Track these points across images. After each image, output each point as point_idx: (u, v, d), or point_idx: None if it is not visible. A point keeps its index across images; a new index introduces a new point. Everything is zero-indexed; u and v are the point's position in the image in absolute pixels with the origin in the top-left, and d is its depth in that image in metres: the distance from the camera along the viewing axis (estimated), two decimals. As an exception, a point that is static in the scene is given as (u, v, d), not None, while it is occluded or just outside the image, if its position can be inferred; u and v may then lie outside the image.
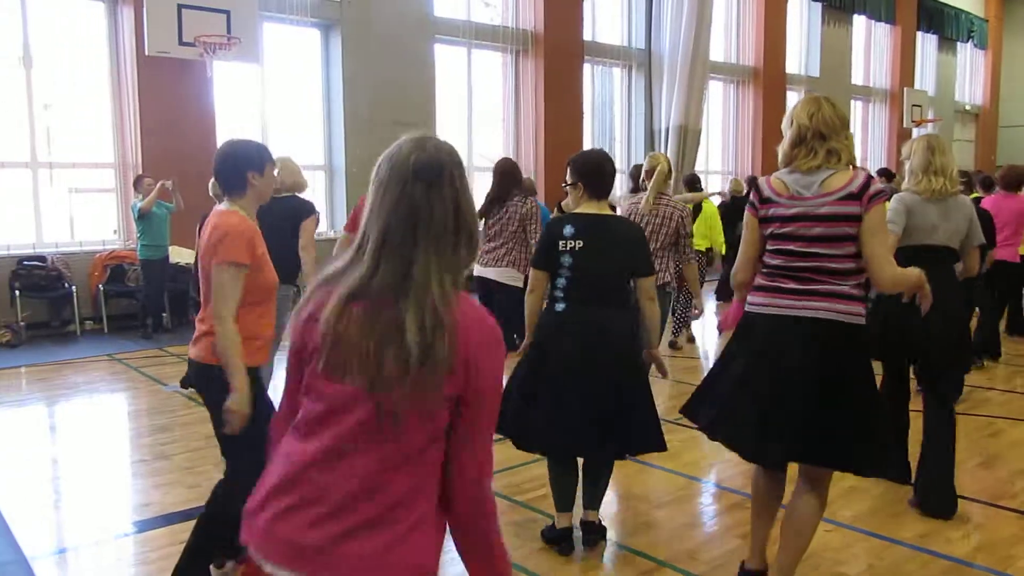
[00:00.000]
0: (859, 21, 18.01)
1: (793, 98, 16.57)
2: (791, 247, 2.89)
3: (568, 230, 3.41)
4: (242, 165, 2.93)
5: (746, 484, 3.88)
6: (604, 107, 13.84)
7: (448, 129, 11.28)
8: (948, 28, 20.32)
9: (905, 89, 18.66)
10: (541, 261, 3.47)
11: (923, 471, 4.08)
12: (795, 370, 2.85)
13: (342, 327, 1.47)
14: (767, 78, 15.42)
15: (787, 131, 2.95)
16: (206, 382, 2.91)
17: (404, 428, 1.45)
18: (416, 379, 1.41)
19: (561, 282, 3.43)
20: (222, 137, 8.20)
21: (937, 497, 4.02)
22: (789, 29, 15.99)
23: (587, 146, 13.00)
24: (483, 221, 5.71)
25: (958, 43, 21.04)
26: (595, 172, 3.50)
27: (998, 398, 6.33)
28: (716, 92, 15.25)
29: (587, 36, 12.73)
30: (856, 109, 18.44)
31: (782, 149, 2.96)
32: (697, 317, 6.11)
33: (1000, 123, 22.14)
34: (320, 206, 8.55)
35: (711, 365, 3.27)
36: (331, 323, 1.48)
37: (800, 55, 16.82)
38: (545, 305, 3.55)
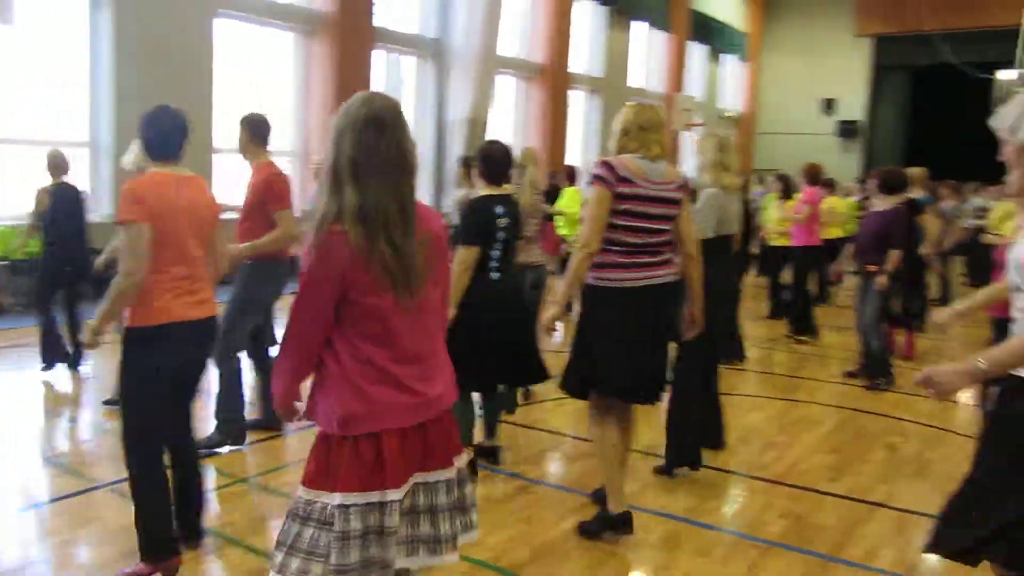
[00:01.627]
0: (638, 27, 19.06)
1: (577, 96, 17.27)
2: (648, 225, 3.44)
3: (499, 209, 4.05)
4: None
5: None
6: (395, 95, 13.72)
7: (230, 110, 10.71)
8: (715, 40, 21.99)
9: (676, 94, 19.98)
10: (478, 239, 4.02)
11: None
12: (656, 325, 3.54)
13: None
14: (553, 75, 15.96)
15: (622, 124, 3.51)
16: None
17: None
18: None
19: (496, 254, 4.07)
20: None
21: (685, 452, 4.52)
22: (575, 30, 16.63)
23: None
24: None
25: (723, 54, 22.82)
26: (502, 161, 4.17)
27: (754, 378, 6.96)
28: (506, 87, 15.59)
29: (379, 22, 12.57)
30: (634, 110, 19.52)
31: (616, 139, 3.51)
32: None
33: (758, 129, 24.28)
34: (84, 186, 7.83)
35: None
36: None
37: (584, 56, 17.55)
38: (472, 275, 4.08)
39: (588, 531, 3.70)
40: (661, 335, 3.62)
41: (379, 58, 12.81)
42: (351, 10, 11.87)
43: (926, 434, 5.50)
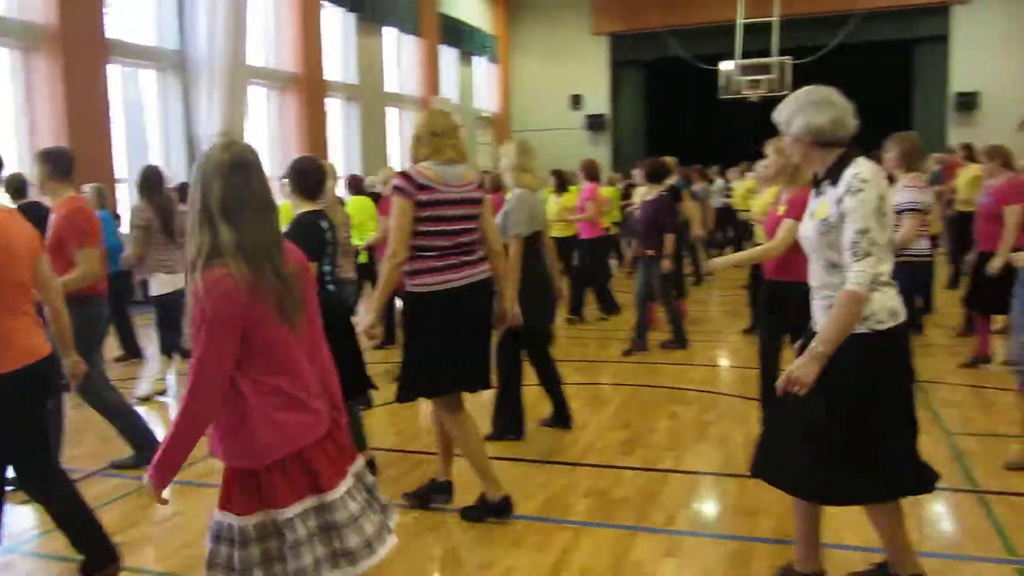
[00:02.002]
0: (389, 33, 19.03)
1: (334, 104, 16.96)
2: (454, 226, 3.62)
3: (324, 223, 4.06)
4: None
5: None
6: (136, 112, 12.78)
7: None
8: (466, 43, 22.45)
9: (432, 97, 20.19)
10: (315, 254, 3.92)
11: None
12: (480, 317, 3.76)
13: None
14: (308, 84, 15.56)
15: (415, 131, 3.69)
16: None
17: None
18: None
19: (327, 268, 4.08)
20: None
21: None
22: (326, 37, 16.30)
23: (120, 154, 11.90)
24: None
25: (474, 56, 23.36)
26: (317, 175, 4.19)
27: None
28: (259, 98, 14.99)
29: (112, 34, 11.61)
30: (393, 115, 19.49)
31: (414, 148, 3.68)
32: None
33: (512, 128, 25.10)
34: None
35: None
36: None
37: (339, 63, 17.26)
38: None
39: (471, 517, 3.88)
40: (486, 326, 3.85)
41: (115, 72, 11.85)
42: (78, 21, 10.87)
43: (702, 399, 5.93)
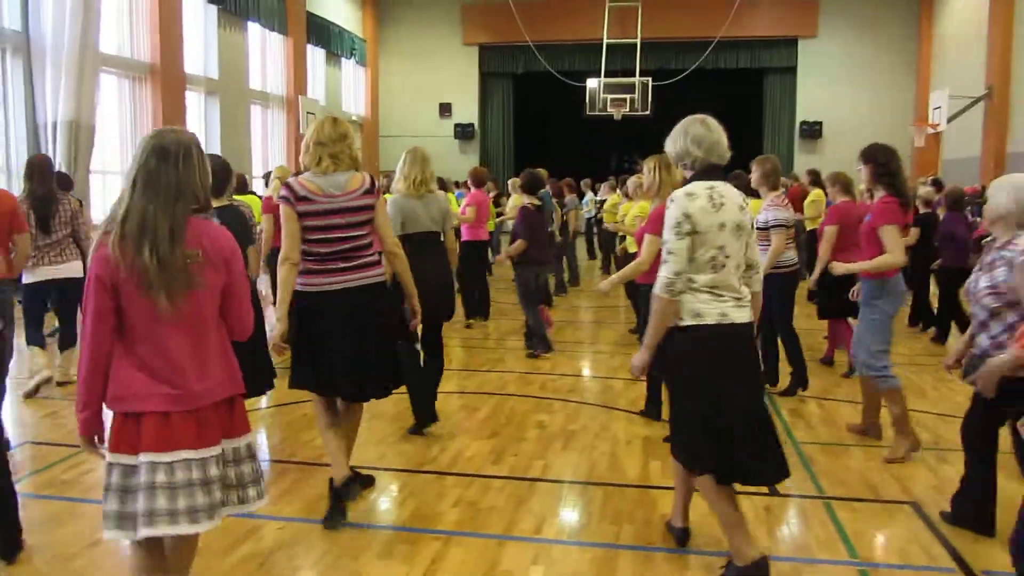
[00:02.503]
0: (254, 28, 18.43)
1: (194, 97, 16.26)
2: (334, 235, 3.71)
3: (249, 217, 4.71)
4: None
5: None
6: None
7: None
8: (334, 44, 22.04)
9: (300, 97, 19.70)
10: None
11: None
12: (360, 323, 3.77)
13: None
14: (165, 76, 14.83)
15: (304, 140, 3.81)
16: None
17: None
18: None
19: None
20: None
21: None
22: (187, 29, 15.60)
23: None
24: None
25: (342, 58, 22.96)
26: (221, 176, 4.47)
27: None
28: (111, 87, 14.16)
29: (-57, 9, 10.69)
30: (255, 113, 18.87)
31: (302, 156, 3.81)
32: None
33: (380, 132, 24.82)
34: None
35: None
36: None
37: (199, 56, 16.55)
38: None
39: (331, 524, 3.86)
40: (368, 332, 3.83)
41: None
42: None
43: (567, 409, 6.02)
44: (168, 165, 2.41)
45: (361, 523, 3.93)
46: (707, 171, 3.27)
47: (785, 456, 3.32)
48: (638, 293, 5.40)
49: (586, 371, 7.40)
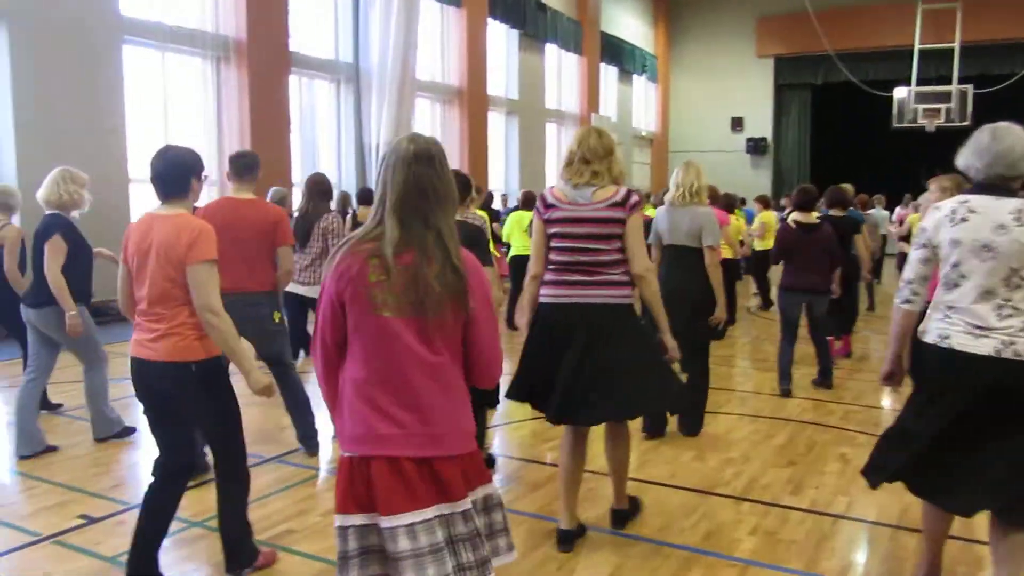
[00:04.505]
0: (551, 50, 19.24)
1: (495, 118, 17.26)
2: (572, 244, 3.54)
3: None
4: (188, 171, 3.25)
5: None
6: (311, 121, 13.45)
7: (142, 138, 10.28)
8: (626, 62, 22.40)
9: (592, 114, 20.23)
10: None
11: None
12: (582, 344, 3.52)
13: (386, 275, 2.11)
14: (471, 98, 15.92)
15: (568, 157, 3.64)
16: (182, 380, 3.13)
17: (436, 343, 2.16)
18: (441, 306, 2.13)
19: None
20: None
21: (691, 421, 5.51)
22: (490, 53, 16.66)
23: (295, 160, 12.55)
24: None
25: (634, 75, 23.27)
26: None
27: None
28: (424, 110, 15.46)
29: (293, 47, 12.30)
30: (552, 131, 19.66)
31: (562, 171, 3.67)
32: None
33: (670, 148, 24.80)
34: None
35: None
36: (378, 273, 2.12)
37: (501, 78, 17.59)
38: None
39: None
40: (596, 354, 3.61)
41: (294, 83, 12.53)
42: (264, 35, 11.59)
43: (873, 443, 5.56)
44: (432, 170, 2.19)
45: (654, 539, 3.90)
46: (982, 186, 2.97)
47: None
48: None
49: (887, 402, 6.82)
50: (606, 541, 3.87)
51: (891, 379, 3.27)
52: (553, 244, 3.61)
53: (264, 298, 4.73)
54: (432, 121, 15.78)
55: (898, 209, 14.70)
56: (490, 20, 16.47)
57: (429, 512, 2.10)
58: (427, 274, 2.09)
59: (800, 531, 4.04)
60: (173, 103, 11.19)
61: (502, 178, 17.40)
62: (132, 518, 3.52)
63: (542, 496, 4.46)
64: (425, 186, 2.14)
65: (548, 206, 3.61)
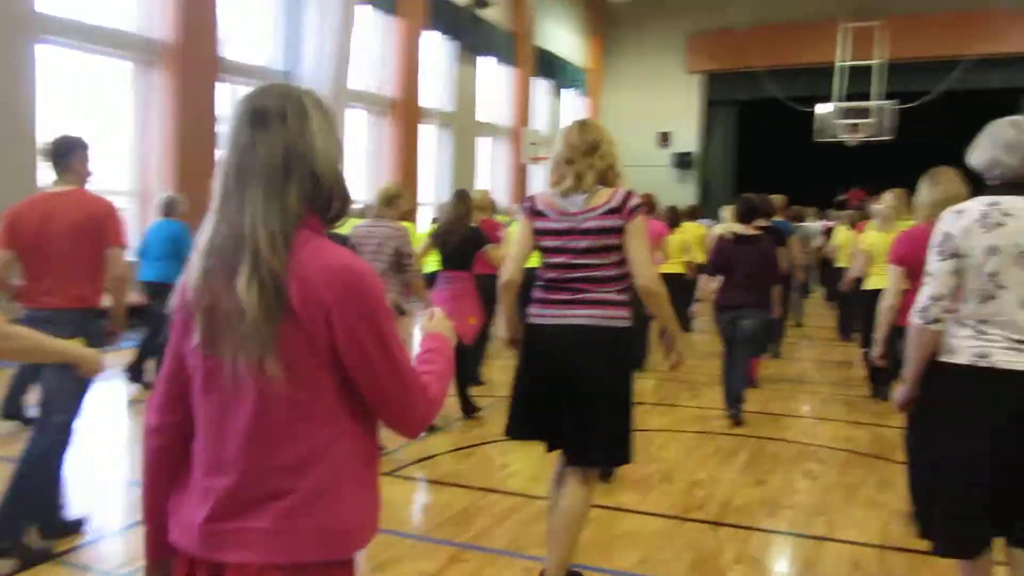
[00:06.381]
0: (487, 63, 19.07)
1: (428, 130, 16.99)
2: (562, 260, 3.15)
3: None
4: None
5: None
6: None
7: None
8: (558, 75, 22.41)
9: (523, 128, 20.14)
10: None
11: None
12: (567, 370, 3.12)
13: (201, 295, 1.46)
14: (404, 110, 15.62)
15: (553, 161, 3.23)
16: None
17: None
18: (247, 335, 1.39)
19: None
20: None
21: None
22: (427, 65, 16.40)
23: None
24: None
25: (565, 89, 23.29)
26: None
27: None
28: (356, 121, 15.09)
29: (224, 53, 11.79)
30: (484, 144, 19.48)
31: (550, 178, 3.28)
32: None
33: (599, 163, 24.90)
34: None
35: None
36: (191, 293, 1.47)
37: (436, 90, 17.32)
38: None
39: None
40: (575, 388, 3.21)
41: (224, 90, 12.02)
42: (194, 40, 11.07)
43: (837, 457, 5.50)
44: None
45: (636, 573, 3.69)
46: (1012, 185, 2.70)
47: None
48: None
49: (847, 415, 6.81)
50: None
51: (910, 405, 3.05)
52: (544, 259, 3.25)
53: (68, 317, 3.63)
54: (365, 132, 15.42)
55: (822, 222, 15.09)
56: (428, 31, 16.23)
57: None
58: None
59: (786, 557, 3.91)
60: (93, 108, 10.57)
61: (433, 191, 17.11)
62: None
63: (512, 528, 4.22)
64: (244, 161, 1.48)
65: (536, 213, 3.22)
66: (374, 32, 15.22)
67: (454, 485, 4.78)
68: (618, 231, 3.09)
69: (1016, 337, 2.63)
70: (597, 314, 3.13)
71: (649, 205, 8.06)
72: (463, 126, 18.12)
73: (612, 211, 3.09)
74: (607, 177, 3.16)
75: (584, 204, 3.12)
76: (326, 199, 1.51)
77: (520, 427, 3.32)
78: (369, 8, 14.60)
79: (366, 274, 1.48)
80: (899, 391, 3.06)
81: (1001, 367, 2.62)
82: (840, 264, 9.84)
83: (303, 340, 1.42)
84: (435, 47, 17.12)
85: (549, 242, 3.20)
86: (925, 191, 3.93)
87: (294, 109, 1.49)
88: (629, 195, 3.14)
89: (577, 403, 3.12)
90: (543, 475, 4.80)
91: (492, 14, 18.51)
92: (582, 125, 3.23)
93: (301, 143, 1.47)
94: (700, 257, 9.29)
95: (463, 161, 18.20)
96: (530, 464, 5.07)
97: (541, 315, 3.24)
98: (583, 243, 3.12)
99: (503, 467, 5.20)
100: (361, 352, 1.45)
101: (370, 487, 1.55)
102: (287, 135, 1.47)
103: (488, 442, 5.61)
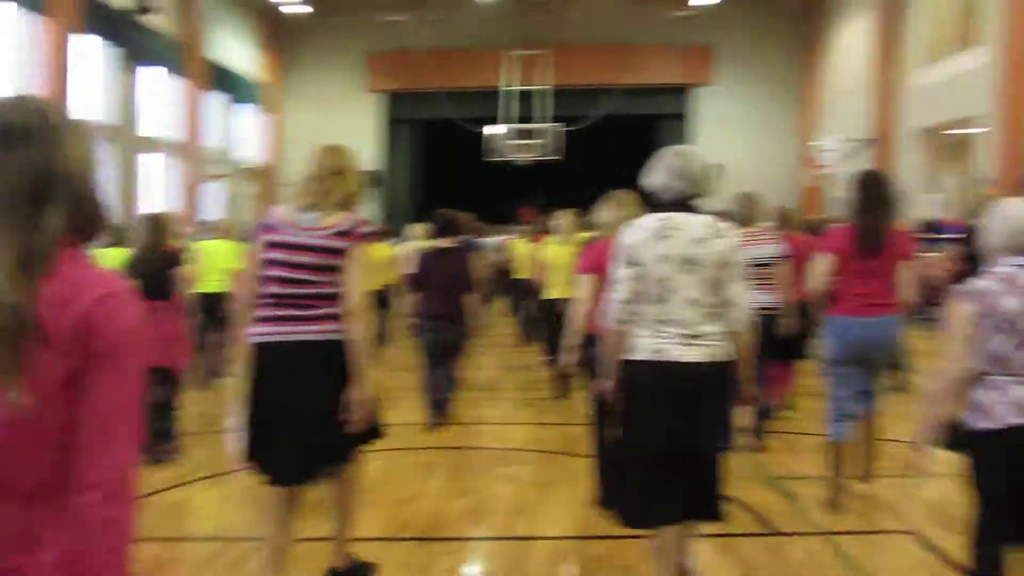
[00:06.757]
0: (153, 73, 17.69)
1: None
2: (291, 274, 3.19)
3: None
4: None
5: None
6: None
7: None
8: (234, 90, 21.43)
9: (198, 144, 18.99)
10: None
11: None
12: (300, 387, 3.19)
13: None
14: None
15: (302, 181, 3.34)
16: None
17: None
18: None
19: None
20: None
21: None
22: (85, 73, 14.84)
23: None
24: None
25: (241, 104, 22.32)
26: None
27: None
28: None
29: None
30: (152, 161, 18.04)
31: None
32: None
33: (283, 180, 24.12)
34: None
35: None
36: None
37: (96, 101, 15.67)
38: None
39: None
40: (307, 399, 3.26)
41: None
42: None
43: (532, 459, 5.75)
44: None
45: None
46: (680, 204, 3.18)
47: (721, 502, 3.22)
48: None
49: (535, 417, 7.17)
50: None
51: (610, 395, 3.32)
52: (269, 273, 3.23)
53: None
54: None
55: (500, 237, 16.03)
56: (83, 35, 14.67)
57: None
58: None
59: (494, 562, 3.99)
60: None
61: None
62: None
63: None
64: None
65: (267, 228, 3.28)
66: (18, 32, 13.52)
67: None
68: (342, 253, 3.20)
69: (686, 332, 3.07)
70: (318, 329, 3.20)
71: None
72: (127, 139, 16.66)
73: (340, 234, 3.21)
74: (347, 202, 3.31)
75: (317, 222, 3.23)
76: (86, 219, 1.38)
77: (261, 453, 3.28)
78: (13, 5, 12.96)
79: (126, 297, 1.38)
80: (602, 385, 3.37)
81: (673, 359, 3.05)
82: (519, 275, 10.45)
83: (58, 366, 1.31)
84: (92, 53, 15.57)
85: (277, 255, 3.23)
86: (609, 211, 4.36)
87: (42, 124, 1.35)
88: (361, 222, 3.30)
89: (300, 413, 3.20)
90: (236, 513, 4.50)
91: (158, 21, 17.25)
92: (333, 150, 3.39)
93: (55, 162, 1.34)
94: (390, 277, 9.40)
95: (127, 178, 16.72)
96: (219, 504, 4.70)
97: (266, 333, 3.22)
98: (306, 259, 3.20)
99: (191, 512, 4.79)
100: (97, 375, 1.33)
101: None
102: (37, 154, 1.33)
103: (173, 487, 5.14)
